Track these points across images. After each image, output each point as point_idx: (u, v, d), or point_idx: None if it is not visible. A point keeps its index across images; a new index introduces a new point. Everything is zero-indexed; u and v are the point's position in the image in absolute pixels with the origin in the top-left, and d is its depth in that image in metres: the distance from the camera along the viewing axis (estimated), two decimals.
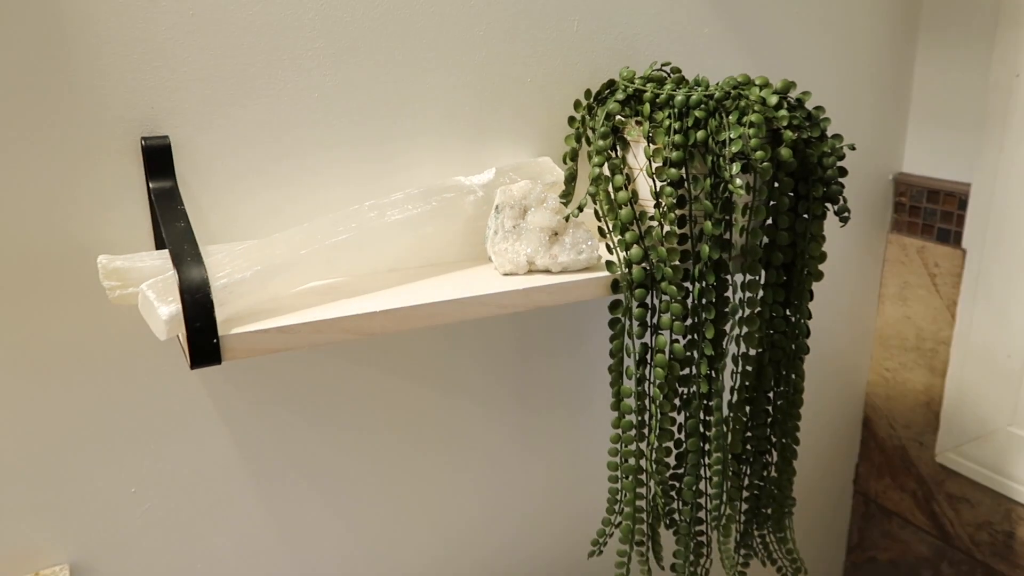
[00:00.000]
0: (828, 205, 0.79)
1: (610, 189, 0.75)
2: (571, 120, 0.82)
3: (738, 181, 0.69)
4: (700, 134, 0.71)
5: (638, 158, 0.75)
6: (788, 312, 0.81)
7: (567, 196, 0.79)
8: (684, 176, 0.72)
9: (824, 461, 1.26)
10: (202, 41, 0.67)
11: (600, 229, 0.76)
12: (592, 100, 0.81)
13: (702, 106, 0.72)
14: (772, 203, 0.77)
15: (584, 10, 0.84)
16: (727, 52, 0.95)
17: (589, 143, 0.78)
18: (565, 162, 0.80)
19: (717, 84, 0.76)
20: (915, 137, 1.13)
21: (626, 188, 0.74)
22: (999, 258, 1.04)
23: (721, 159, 0.71)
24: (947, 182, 1.10)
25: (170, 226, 0.61)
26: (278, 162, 0.72)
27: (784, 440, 0.86)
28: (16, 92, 0.61)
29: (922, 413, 1.17)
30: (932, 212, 1.12)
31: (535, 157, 0.85)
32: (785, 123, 0.73)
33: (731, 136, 0.70)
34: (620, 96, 0.75)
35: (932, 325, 1.14)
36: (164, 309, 0.55)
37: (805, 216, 0.78)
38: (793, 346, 0.82)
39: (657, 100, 0.73)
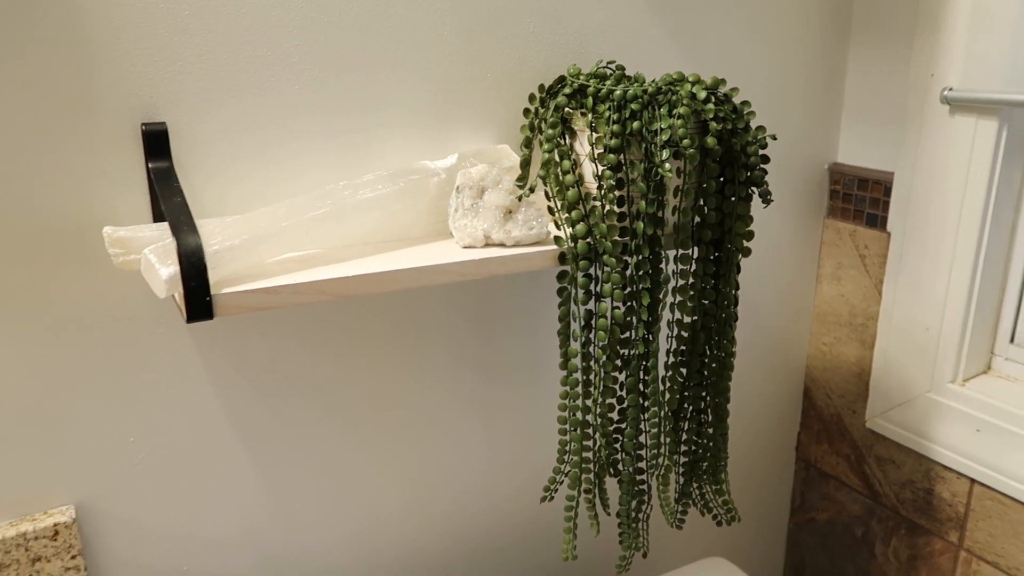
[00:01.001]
0: (753, 189, 0.89)
1: (559, 172, 0.85)
2: (526, 112, 0.91)
3: (667, 166, 0.79)
4: (636, 124, 0.81)
5: (583, 145, 0.85)
6: (718, 284, 0.91)
7: (523, 180, 0.89)
8: (622, 161, 0.82)
9: (769, 430, 1.37)
10: (197, 38, 0.75)
11: (549, 208, 0.86)
12: (544, 94, 0.91)
13: (638, 100, 0.81)
14: (702, 186, 0.87)
15: (539, 13, 0.94)
16: (670, 52, 1.05)
17: (541, 132, 0.88)
18: (520, 149, 0.90)
19: (654, 80, 0.86)
20: (848, 130, 1.24)
21: (573, 172, 0.84)
22: (917, 240, 1.15)
23: (653, 147, 0.81)
24: (875, 171, 1.21)
25: (168, 201, 0.70)
26: (264, 147, 0.81)
27: (718, 400, 0.96)
28: (32, 84, 0.70)
29: (854, 383, 1.28)
30: (862, 199, 1.23)
31: (495, 144, 0.95)
32: (711, 115, 0.83)
33: (662, 127, 0.80)
34: (567, 91, 0.85)
35: (863, 302, 1.24)
36: (164, 270, 0.64)
37: (732, 198, 0.88)
38: (723, 314, 0.92)
39: (599, 94, 0.83)
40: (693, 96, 0.83)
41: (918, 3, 1.09)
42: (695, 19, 1.05)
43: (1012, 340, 1.16)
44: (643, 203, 0.82)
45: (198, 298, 0.65)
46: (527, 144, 0.90)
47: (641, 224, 0.83)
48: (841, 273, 1.27)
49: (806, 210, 1.27)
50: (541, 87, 0.91)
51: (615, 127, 0.81)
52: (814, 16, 1.16)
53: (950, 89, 1.06)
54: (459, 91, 0.91)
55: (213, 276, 0.67)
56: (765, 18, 1.11)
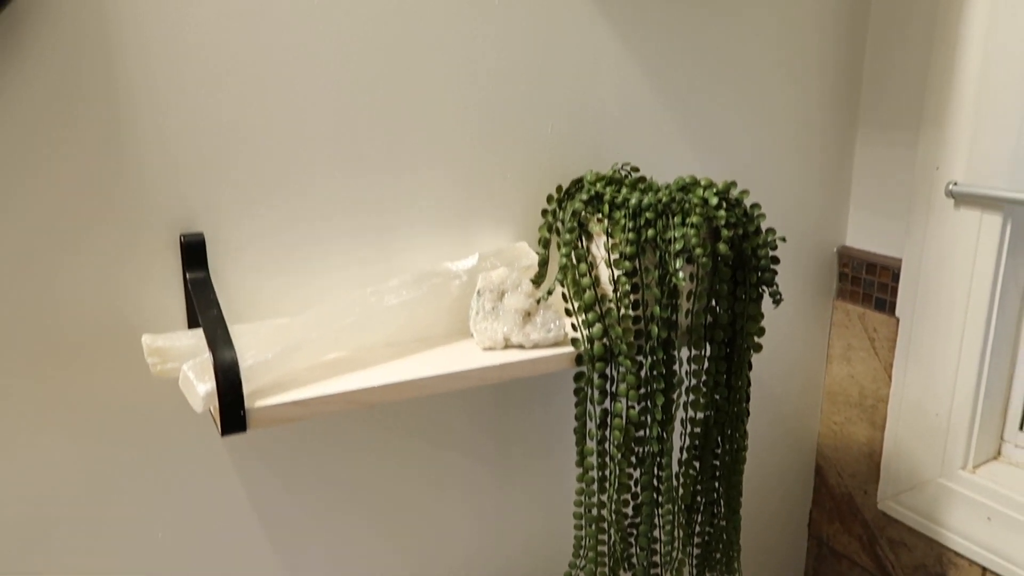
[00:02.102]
0: (764, 288, 0.92)
1: (576, 275, 0.88)
2: (544, 212, 0.95)
3: (680, 275, 0.82)
4: (650, 232, 0.84)
5: (599, 248, 0.88)
6: (730, 379, 0.93)
7: (540, 278, 0.93)
8: (637, 267, 0.85)
9: (781, 507, 1.38)
10: (232, 153, 0.80)
11: (567, 309, 0.89)
12: (562, 196, 0.95)
13: (652, 208, 0.85)
14: (714, 288, 0.90)
15: (557, 115, 0.98)
16: (683, 145, 1.09)
17: (559, 234, 0.91)
18: (539, 248, 0.93)
19: (667, 186, 0.89)
20: (856, 215, 1.27)
21: (589, 275, 0.87)
22: (925, 327, 1.17)
23: (667, 255, 0.84)
24: (883, 256, 1.23)
25: (205, 313, 0.73)
26: (294, 250, 0.85)
27: (731, 492, 0.98)
28: (79, 194, 0.74)
29: (866, 464, 1.30)
30: (871, 283, 1.25)
31: (513, 242, 0.98)
32: (723, 221, 0.86)
33: (675, 235, 0.83)
34: (584, 197, 0.88)
35: (872, 384, 1.26)
36: (202, 387, 0.67)
37: (744, 298, 0.91)
38: (736, 409, 0.95)
39: (615, 201, 0.87)
40: (705, 202, 0.86)
41: (923, 98, 1.13)
42: (707, 112, 1.09)
43: (1021, 427, 1.17)
44: (657, 308, 0.85)
45: (233, 412, 0.68)
46: (545, 245, 0.93)
47: (655, 328, 0.85)
48: (851, 354, 1.29)
49: (816, 291, 1.30)
50: (559, 188, 0.95)
51: (630, 235, 0.84)
52: (822, 106, 1.20)
53: (955, 184, 1.09)
54: (480, 190, 0.95)
55: (247, 388, 0.70)
56: (775, 107, 1.15)
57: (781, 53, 1.13)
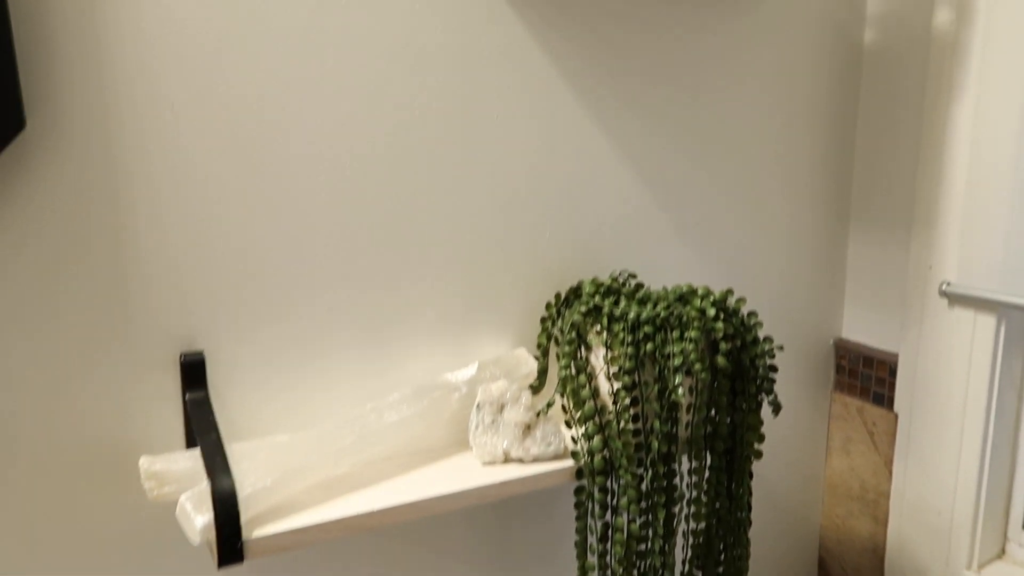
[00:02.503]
0: (763, 396, 0.92)
1: (575, 386, 0.88)
2: (542, 320, 0.96)
3: (680, 391, 0.83)
4: (649, 346, 0.85)
5: (599, 359, 0.88)
6: (731, 487, 0.93)
7: (539, 386, 0.93)
8: (636, 381, 0.85)
9: None
10: (233, 272, 0.80)
11: (567, 421, 0.89)
12: (560, 303, 0.96)
13: (651, 323, 0.85)
14: (713, 399, 0.90)
15: (555, 221, 0.99)
16: (680, 247, 1.10)
17: (558, 343, 0.92)
18: (538, 357, 0.94)
19: (665, 295, 0.90)
20: (851, 308, 1.28)
21: (589, 386, 0.87)
22: (924, 424, 1.17)
23: (667, 370, 0.84)
24: (879, 351, 1.24)
25: (203, 437, 0.73)
26: (294, 367, 0.85)
27: None
28: (81, 314, 0.75)
29: (869, 559, 1.28)
30: (868, 376, 1.25)
31: (512, 349, 0.99)
32: (721, 334, 0.87)
33: (674, 350, 0.84)
34: (583, 309, 0.89)
35: (873, 478, 1.26)
36: (199, 520, 0.67)
37: (743, 408, 0.91)
38: (737, 516, 0.94)
39: (614, 314, 0.87)
40: (703, 313, 0.87)
41: (913, 199, 1.15)
42: (702, 211, 1.11)
43: None
44: (657, 422, 0.85)
45: (230, 545, 0.67)
46: (544, 353, 0.94)
47: (655, 441, 0.85)
48: (850, 447, 1.29)
49: (814, 383, 1.30)
50: (557, 296, 0.96)
51: (629, 349, 0.85)
52: (814, 202, 1.22)
53: (948, 284, 1.11)
54: (479, 298, 0.96)
55: (244, 516, 0.69)
56: (768, 204, 1.17)
57: (774, 150, 1.16)
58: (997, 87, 1.03)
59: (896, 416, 1.21)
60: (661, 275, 1.09)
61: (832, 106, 1.20)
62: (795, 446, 1.30)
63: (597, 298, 0.90)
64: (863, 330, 1.27)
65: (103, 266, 0.75)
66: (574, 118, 0.98)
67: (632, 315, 0.86)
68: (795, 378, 1.27)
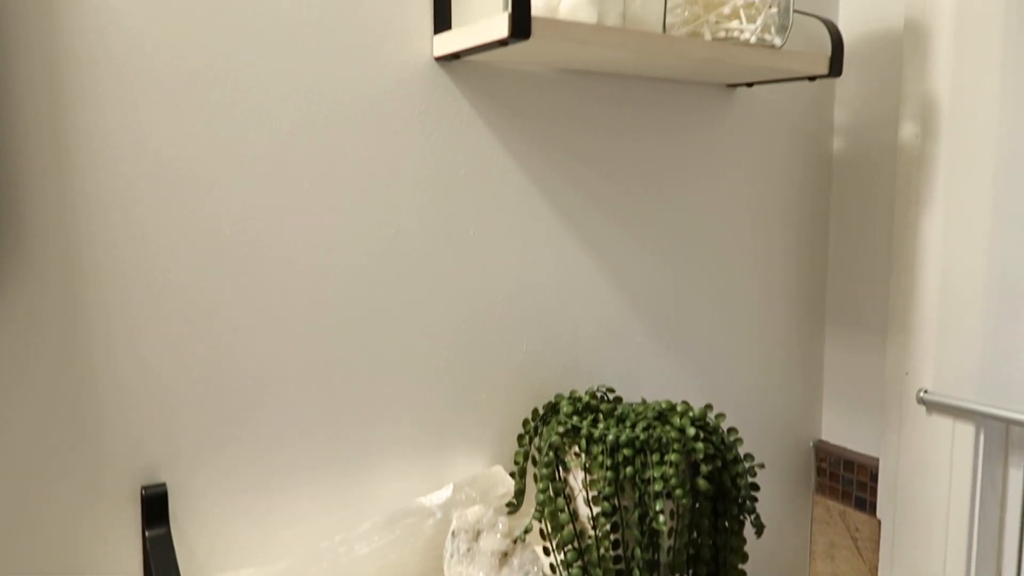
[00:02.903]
0: (745, 515, 0.90)
1: (554, 510, 0.85)
2: (520, 437, 0.94)
3: (661, 519, 0.80)
4: (629, 470, 0.83)
5: (577, 481, 0.86)
6: None
7: (516, 507, 0.90)
8: (616, 506, 0.83)
9: None
10: (198, 401, 0.78)
11: (545, 548, 0.86)
12: (537, 420, 0.94)
13: (630, 445, 0.84)
14: (694, 522, 0.87)
15: (531, 335, 0.98)
16: (658, 355, 1.09)
17: (535, 462, 0.90)
18: (515, 477, 0.91)
19: (644, 411, 0.89)
20: (830, 411, 1.28)
21: (567, 509, 0.85)
22: (908, 531, 1.15)
23: (647, 495, 0.82)
24: (859, 455, 1.23)
25: None
26: (262, 498, 0.82)
27: None
28: (35, 441, 0.71)
29: None
30: (849, 480, 1.24)
31: (489, 466, 0.96)
32: (702, 455, 0.85)
33: (654, 475, 0.82)
34: (560, 430, 0.87)
35: None
36: None
37: (725, 529, 0.89)
38: None
39: (593, 436, 0.86)
40: (682, 432, 0.86)
41: (888, 304, 1.16)
42: (679, 318, 1.11)
43: None
44: (638, 549, 0.83)
45: None
46: (521, 473, 0.91)
47: (637, 571, 0.82)
48: (834, 552, 1.26)
49: (795, 485, 1.28)
50: (535, 413, 0.94)
51: (608, 473, 0.83)
52: (789, 304, 1.22)
53: (925, 391, 1.11)
54: (454, 415, 0.94)
55: None
56: (745, 309, 1.17)
57: (748, 255, 1.17)
58: (964, 200, 1.05)
59: (879, 522, 1.19)
60: (639, 383, 1.08)
61: (804, 212, 1.22)
62: (779, 551, 1.27)
63: (575, 418, 0.88)
64: (842, 433, 1.26)
65: (58, 397, 0.72)
66: (550, 231, 0.98)
67: (611, 437, 0.84)
68: (776, 480, 1.25)
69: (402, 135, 0.86)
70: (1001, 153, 1.02)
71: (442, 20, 0.86)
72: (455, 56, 0.86)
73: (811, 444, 1.29)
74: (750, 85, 1.10)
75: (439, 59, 0.87)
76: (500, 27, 0.73)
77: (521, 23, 0.72)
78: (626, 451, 0.84)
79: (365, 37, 0.83)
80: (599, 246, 1.02)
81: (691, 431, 0.86)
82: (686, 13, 0.92)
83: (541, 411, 0.95)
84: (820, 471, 1.29)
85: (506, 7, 0.74)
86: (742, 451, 0.91)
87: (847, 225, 1.23)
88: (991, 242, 1.03)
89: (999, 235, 1.03)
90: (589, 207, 1.01)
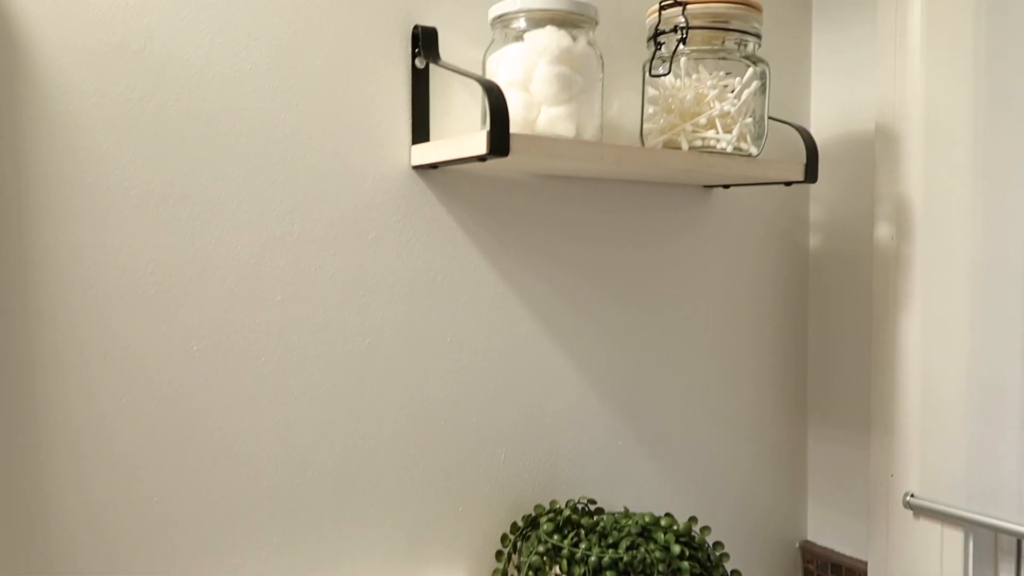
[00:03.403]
0: None
1: None
2: (498, 554, 0.90)
3: None
4: None
5: None
6: None
7: None
8: None
9: None
10: (159, 535, 0.74)
11: None
12: (517, 535, 0.90)
13: (614, 567, 0.80)
14: None
15: (510, 444, 0.96)
16: (641, 460, 1.07)
17: None
18: None
19: (627, 524, 0.85)
20: (815, 511, 1.25)
21: None
22: None
23: None
24: (847, 557, 1.20)
25: None
26: None
27: None
28: None
29: None
30: None
31: None
32: (688, 575, 0.82)
33: None
34: (540, 549, 0.84)
35: None
36: None
37: None
38: None
39: (575, 557, 0.82)
40: (666, 549, 0.83)
41: (869, 403, 1.15)
42: (660, 421, 1.08)
43: None
44: None
45: None
46: None
47: None
48: None
49: None
50: (514, 526, 0.91)
51: None
52: (774, 403, 1.21)
53: (912, 495, 1.09)
54: (430, 530, 0.90)
55: None
56: (726, 406, 1.15)
57: (728, 354, 1.16)
58: (941, 302, 1.06)
59: None
60: (622, 488, 1.05)
61: (783, 309, 1.22)
62: None
63: (556, 537, 0.85)
64: (829, 534, 1.23)
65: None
66: (529, 336, 0.96)
67: (593, 559, 0.81)
68: None
69: (379, 244, 0.85)
70: (974, 257, 1.03)
71: (420, 130, 0.86)
72: (433, 165, 0.85)
73: (797, 545, 1.26)
74: (727, 187, 1.11)
75: (417, 168, 0.87)
76: (479, 144, 0.73)
77: (499, 141, 0.72)
78: (609, 573, 0.80)
79: (341, 148, 0.82)
80: (578, 350, 1.01)
81: (676, 549, 0.83)
82: (662, 121, 0.93)
83: (520, 524, 0.91)
84: (807, 572, 1.25)
85: (484, 123, 0.74)
86: (729, 566, 0.88)
87: (826, 322, 1.22)
88: (970, 345, 1.03)
89: (977, 339, 1.03)
90: (568, 311, 0.99)
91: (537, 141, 0.76)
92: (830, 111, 1.20)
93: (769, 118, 0.96)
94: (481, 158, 0.74)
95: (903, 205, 1.09)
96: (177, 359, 0.74)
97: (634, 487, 1.06)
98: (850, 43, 1.17)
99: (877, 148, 1.12)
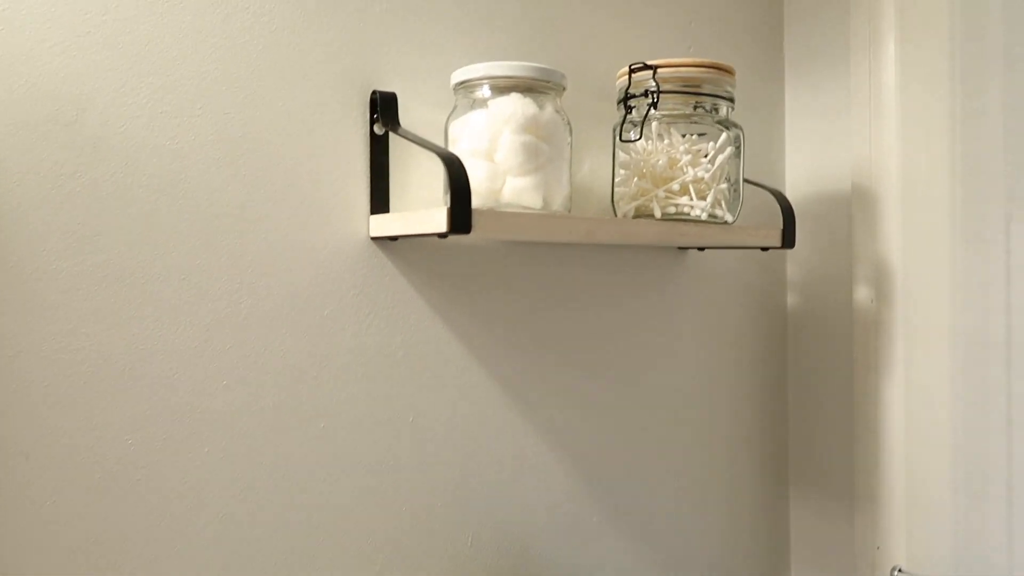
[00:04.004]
0: None
1: None
2: None
3: None
4: None
5: None
6: None
7: None
8: None
9: None
10: None
11: None
12: None
13: None
14: None
15: (478, 526, 0.90)
16: (615, 537, 1.01)
17: None
18: None
19: None
20: None
21: None
22: None
23: None
24: None
25: None
26: None
27: None
28: None
29: None
30: None
31: None
32: None
33: None
34: None
35: None
36: None
37: None
38: None
39: None
40: None
41: (853, 473, 1.10)
42: (635, 493, 1.03)
43: None
44: None
45: None
46: None
47: None
48: None
49: None
50: None
51: None
52: (751, 470, 1.16)
53: (900, 570, 1.04)
54: None
55: None
56: (704, 475, 1.10)
57: (704, 421, 1.11)
58: (922, 369, 1.02)
59: None
60: (598, 566, 0.99)
61: (761, 373, 1.18)
62: None
63: None
64: None
65: None
66: (497, 411, 0.91)
67: None
68: None
69: (334, 321, 0.80)
70: (955, 324, 1.00)
71: (379, 199, 0.82)
72: (392, 238, 0.80)
73: None
74: (701, 248, 1.08)
75: (376, 238, 0.82)
76: (439, 221, 0.68)
77: (461, 218, 0.67)
78: None
79: (293, 221, 0.77)
80: (550, 423, 0.95)
81: None
82: (634, 187, 0.89)
83: None
84: None
85: (446, 198, 0.69)
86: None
87: (806, 387, 1.18)
88: (953, 416, 1.00)
89: (960, 408, 0.99)
90: (538, 381, 0.94)
91: (501, 217, 0.71)
92: (805, 169, 1.17)
93: (745, 180, 0.93)
94: (441, 235, 0.70)
95: (882, 267, 1.06)
96: (109, 455, 0.68)
97: (610, 564, 1.01)
98: (823, 99, 1.15)
99: (854, 208, 1.09)
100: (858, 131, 1.08)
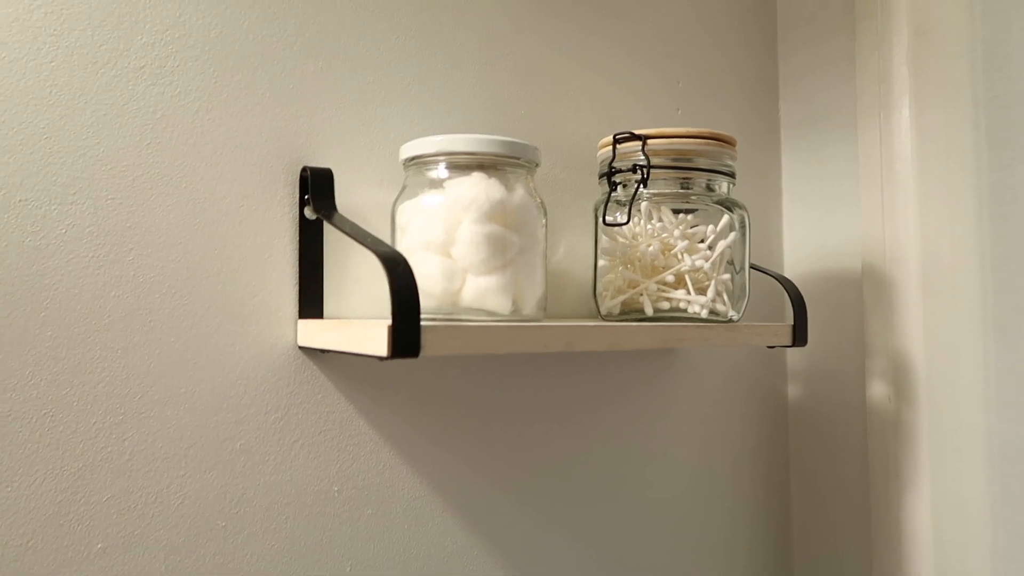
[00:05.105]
0: None
1: None
2: None
3: None
4: None
5: None
6: None
7: None
8: None
9: None
10: None
11: None
12: None
13: None
14: None
15: None
16: None
17: None
18: None
19: None
20: None
21: None
22: None
23: None
24: None
25: None
26: None
27: None
28: None
29: None
30: None
31: None
32: None
33: None
34: None
35: None
36: None
37: None
38: None
39: None
40: None
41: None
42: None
43: None
44: None
45: None
46: None
47: None
48: None
49: None
50: None
51: None
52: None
53: None
54: None
55: None
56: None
57: (706, 529, 0.96)
58: (954, 481, 0.88)
59: None
60: None
61: (762, 477, 1.03)
62: None
63: None
64: None
65: None
66: (458, 551, 0.75)
67: None
68: None
69: (250, 454, 0.64)
70: (990, 426, 0.86)
71: (310, 298, 0.66)
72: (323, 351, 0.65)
73: None
74: None
75: (304, 348, 0.66)
76: (378, 342, 0.53)
77: (405, 339, 0.52)
78: None
79: (198, 331, 0.61)
80: (524, 557, 0.79)
81: None
82: (620, 278, 0.75)
83: None
84: None
85: (391, 310, 0.53)
86: None
87: (812, 491, 1.04)
88: (993, 535, 0.85)
89: (1001, 527, 0.85)
90: (509, 509, 0.78)
91: (459, 333, 0.56)
92: (806, 247, 1.04)
93: (751, 267, 0.80)
94: (382, 359, 0.54)
95: (901, 362, 0.92)
96: None
97: None
98: (827, 169, 1.02)
99: (866, 294, 0.96)
100: (868, 206, 0.95)
